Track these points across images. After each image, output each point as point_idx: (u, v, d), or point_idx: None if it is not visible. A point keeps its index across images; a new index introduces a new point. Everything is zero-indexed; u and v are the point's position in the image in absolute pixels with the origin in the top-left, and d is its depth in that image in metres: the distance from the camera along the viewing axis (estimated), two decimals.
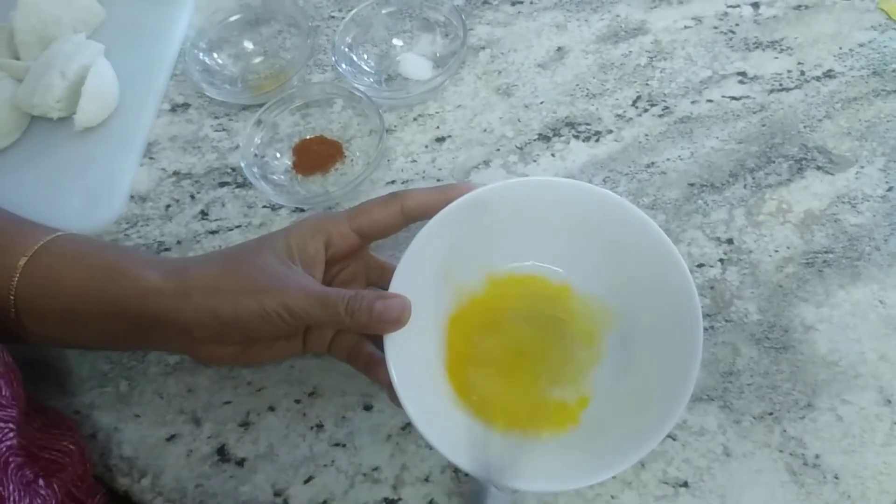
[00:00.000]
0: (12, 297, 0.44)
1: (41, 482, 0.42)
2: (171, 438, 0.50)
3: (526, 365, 0.46)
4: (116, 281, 0.45)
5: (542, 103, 0.61)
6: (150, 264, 0.45)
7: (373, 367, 0.45)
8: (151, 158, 0.62)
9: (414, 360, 0.43)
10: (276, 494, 0.47)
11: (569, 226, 0.47)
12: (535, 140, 0.59)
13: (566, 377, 0.46)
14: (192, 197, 0.60)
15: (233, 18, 0.68)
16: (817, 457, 0.45)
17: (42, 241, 0.46)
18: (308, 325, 0.45)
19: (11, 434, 0.41)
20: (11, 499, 0.39)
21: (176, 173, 0.61)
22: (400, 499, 0.46)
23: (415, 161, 0.59)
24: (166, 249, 0.57)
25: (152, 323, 0.44)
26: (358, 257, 0.50)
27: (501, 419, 0.44)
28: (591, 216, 0.46)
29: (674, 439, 0.47)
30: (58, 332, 0.46)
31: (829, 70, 0.60)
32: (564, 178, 0.56)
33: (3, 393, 0.42)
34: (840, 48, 0.61)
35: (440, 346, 0.46)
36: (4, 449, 0.40)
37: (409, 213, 0.46)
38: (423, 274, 0.45)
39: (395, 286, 0.43)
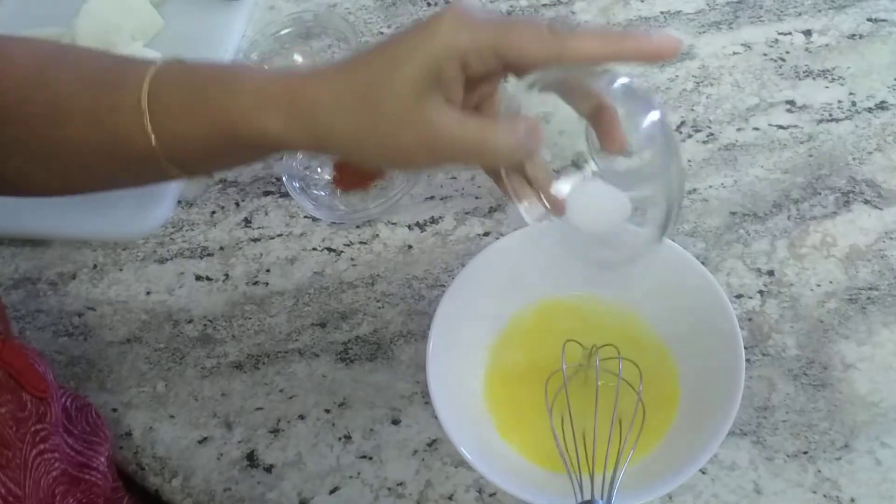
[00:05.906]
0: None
1: None
2: (203, 441, 0.51)
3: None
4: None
5: None
6: (265, 103, 0.38)
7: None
8: None
9: (455, 381, 0.45)
10: (302, 503, 0.48)
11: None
12: None
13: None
14: (237, 204, 0.61)
15: (284, 31, 0.69)
16: (853, 500, 0.44)
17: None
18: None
19: (57, 464, 0.42)
20: None
21: (222, 181, 0.63)
22: None
23: (454, 178, 0.60)
24: (209, 255, 0.59)
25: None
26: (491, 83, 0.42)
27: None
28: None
29: (703, 473, 0.46)
30: (199, 155, 0.41)
31: (882, 101, 0.59)
32: None
33: (48, 419, 0.42)
34: (895, 79, 0.60)
35: (485, 372, 0.49)
36: (51, 480, 0.41)
37: (571, 56, 0.37)
38: (475, 300, 0.47)
39: (443, 309, 0.46)
